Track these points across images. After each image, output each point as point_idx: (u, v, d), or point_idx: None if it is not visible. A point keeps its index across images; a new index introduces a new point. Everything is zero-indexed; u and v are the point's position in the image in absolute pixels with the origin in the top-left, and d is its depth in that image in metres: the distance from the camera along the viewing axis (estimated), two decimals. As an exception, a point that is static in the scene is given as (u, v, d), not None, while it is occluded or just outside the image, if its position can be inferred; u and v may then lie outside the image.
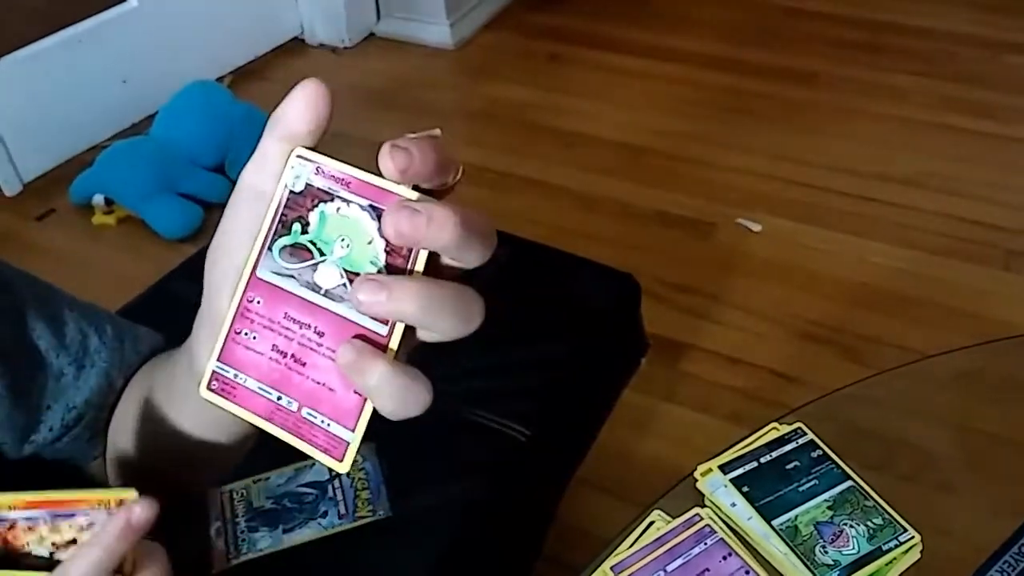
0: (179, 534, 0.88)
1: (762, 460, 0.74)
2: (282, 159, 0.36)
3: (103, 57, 2.33)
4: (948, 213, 1.99)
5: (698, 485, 0.73)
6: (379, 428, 0.93)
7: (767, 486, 0.72)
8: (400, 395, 0.34)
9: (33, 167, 2.24)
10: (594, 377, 1.03)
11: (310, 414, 0.36)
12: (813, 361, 1.68)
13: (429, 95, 2.59)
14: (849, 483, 0.72)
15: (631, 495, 1.42)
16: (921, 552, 0.68)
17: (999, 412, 0.83)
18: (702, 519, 0.70)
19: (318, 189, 0.35)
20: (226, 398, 0.37)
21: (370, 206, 0.34)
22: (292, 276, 0.35)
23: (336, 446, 0.36)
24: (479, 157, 2.27)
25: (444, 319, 0.33)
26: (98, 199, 2.09)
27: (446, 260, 0.34)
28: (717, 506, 0.71)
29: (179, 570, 0.65)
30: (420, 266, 0.34)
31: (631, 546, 0.68)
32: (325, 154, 0.36)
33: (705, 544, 0.68)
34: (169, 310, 1.16)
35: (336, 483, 0.88)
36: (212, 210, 2.09)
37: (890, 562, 0.67)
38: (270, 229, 0.36)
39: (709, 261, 1.93)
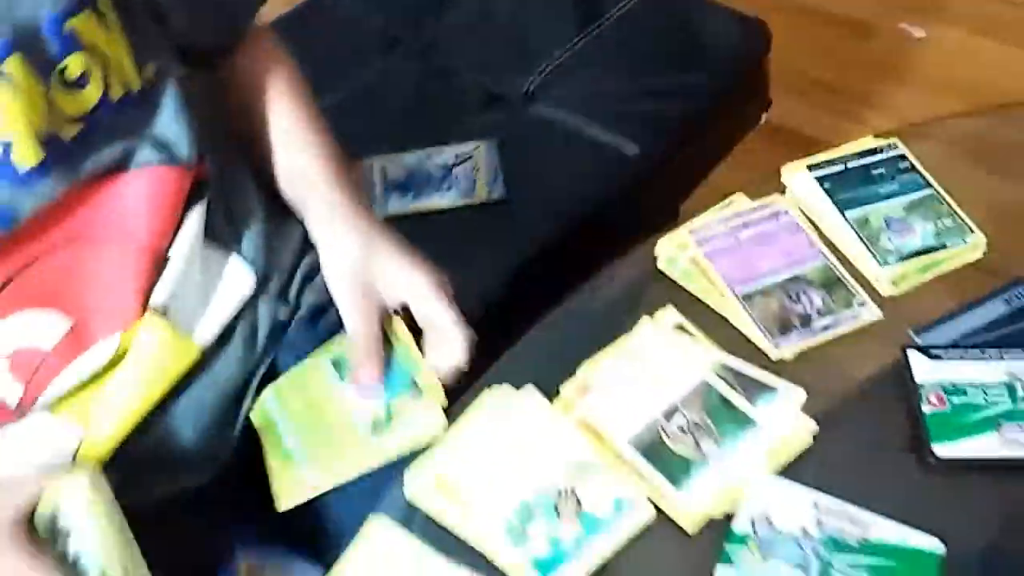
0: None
1: (850, 165, 0.78)
2: None
3: None
4: None
5: (783, 179, 0.78)
6: (501, 129, 1.01)
7: (848, 186, 0.76)
8: None
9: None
10: (710, 113, 1.07)
11: None
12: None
13: None
14: (930, 191, 0.76)
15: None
16: (984, 253, 0.72)
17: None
18: (779, 204, 0.76)
19: None
20: None
21: None
22: None
23: None
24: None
25: None
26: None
27: None
28: (795, 196, 0.77)
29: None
30: None
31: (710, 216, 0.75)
32: None
33: (778, 220, 0.75)
34: (319, 26, 1.25)
35: (459, 168, 0.99)
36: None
37: (950, 258, 0.72)
38: None
39: (864, 63, 1.86)
